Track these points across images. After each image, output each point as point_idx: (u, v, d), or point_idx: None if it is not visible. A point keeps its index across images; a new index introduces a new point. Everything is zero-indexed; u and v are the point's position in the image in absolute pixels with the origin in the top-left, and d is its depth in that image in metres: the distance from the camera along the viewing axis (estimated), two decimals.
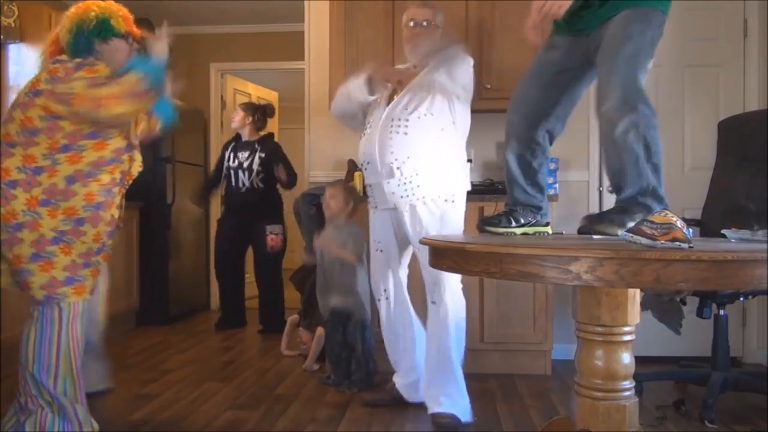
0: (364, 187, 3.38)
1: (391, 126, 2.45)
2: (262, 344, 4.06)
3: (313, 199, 3.39)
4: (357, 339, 2.99)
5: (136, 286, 4.49)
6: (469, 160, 2.82)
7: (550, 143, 1.86)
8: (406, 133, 2.43)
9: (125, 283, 4.29)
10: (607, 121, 1.59)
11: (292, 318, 3.71)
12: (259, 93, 6.12)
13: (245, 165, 4.35)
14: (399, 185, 2.45)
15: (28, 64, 3.81)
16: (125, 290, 4.31)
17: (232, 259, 4.53)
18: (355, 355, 2.99)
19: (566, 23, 1.77)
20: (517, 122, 1.82)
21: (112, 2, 2.28)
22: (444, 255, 1.51)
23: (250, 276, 5.38)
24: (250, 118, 4.44)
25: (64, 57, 2.19)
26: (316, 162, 3.79)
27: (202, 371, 3.33)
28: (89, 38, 2.19)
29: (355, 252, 2.98)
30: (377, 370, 3.01)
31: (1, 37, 3.73)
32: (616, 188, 1.64)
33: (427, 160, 2.44)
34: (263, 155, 4.35)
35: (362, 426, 2.49)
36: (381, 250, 2.65)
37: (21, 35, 3.79)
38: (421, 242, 1.69)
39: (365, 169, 2.58)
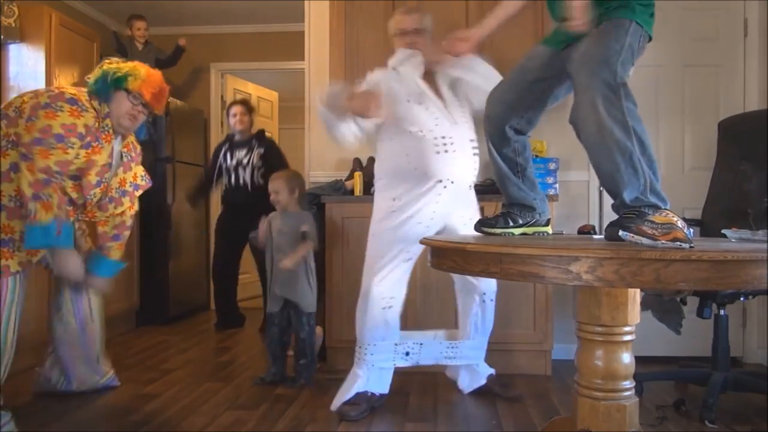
0: (365, 186, 3.39)
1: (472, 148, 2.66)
2: (262, 344, 4.06)
3: (314, 199, 3.40)
4: (303, 327, 3.04)
5: (136, 286, 4.49)
6: None
7: (519, 138, 1.90)
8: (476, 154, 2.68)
9: (125, 283, 4.29)
10: (593, 124, 1.57)
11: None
12: (259, 93, 6.13)
13: (245, 162, 4.33)
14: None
15: (29, 64, 3.82)
16: (125, 290, 4.31)
17: (231, 260, 4.52)
18: (299, 343, 3.04)
19: (551, 36, 1.83)
20: (491, 120, 1.88)
21: (152, 72, 2.54)
22: (444, 255, 1.51)
23: (249, 276, 5.38)
24: (251, 118, 4.47)
25: (82, 89, 2.48)
26: (316, 162, 3.79)
27: (202, 371, 3.33)
28: (108, 86, 2.45)
29: (315, 238, 3.06)
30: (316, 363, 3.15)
31: (2, 37, 3.73)
32: (613, 191, 1.62)
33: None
34: (261, 150, 4.35)
35: (362, 426, 2.49)
36: None
37: (21, 35, 3.80)
38: (421, 242, 1.69)
39: (445, 187, 2.58)
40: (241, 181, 4.34)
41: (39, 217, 2.22)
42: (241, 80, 5.87)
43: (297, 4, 4.01)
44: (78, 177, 2.44)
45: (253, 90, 6.05)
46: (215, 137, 5.57)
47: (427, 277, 3.16)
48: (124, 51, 4.68)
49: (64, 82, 3.96)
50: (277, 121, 6.47)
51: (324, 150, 3.78)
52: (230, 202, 4.47)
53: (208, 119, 5.59)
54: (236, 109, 4.43)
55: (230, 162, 4.37)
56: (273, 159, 4.35)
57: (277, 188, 3.11)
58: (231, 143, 4.44)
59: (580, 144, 1.66)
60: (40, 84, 3.79)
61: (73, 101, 2.34)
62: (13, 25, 3.75)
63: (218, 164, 4.43)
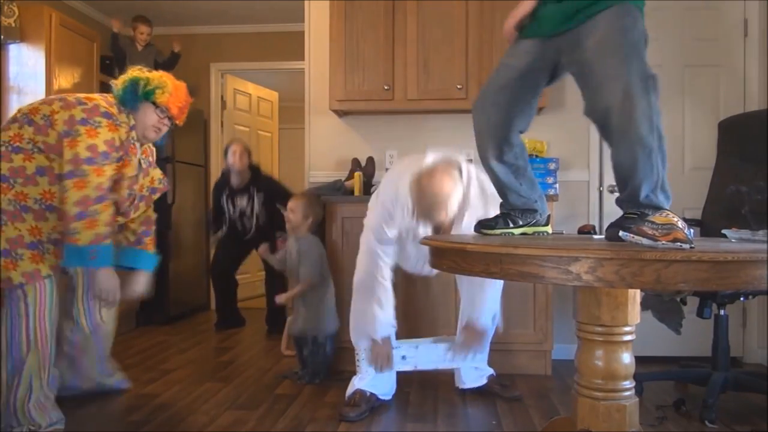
0: (364, 186, 3.40)
1: None
2: (262, 344, 4.06)
3: None
4: (308, 345, 3.13)
5: None
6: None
7: (519, 140, 1.86)
8: None
9: None
10: (624, 113, 1.52)
11: (290, 318, 3.72)
12: (259, 93, 6.13)
13: (247, 212, 4.34)
14: None
15: (29, 64, 3.82)
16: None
17: (230, 265, 4.54)
18: (307, 356, 3.14)
19: (536, 26, 1.74)
20: (491, 128, 1.79)
21: (178, 85, 2.54)
22: (444, 255, 1.51)
23: (249, 276, 5.38)
24: (250, 160, 4.36)
25: (109, 98, 2.46)
26: (316, 162, 3.79)
27: (202, 371, 3.33)
28: (137, 97, 2.45)
29: (309, 269, 3.10)
30: (327, 366, 3.17)
31: (2, 37, 3.73)
32: (624, 184, 1.60)
33: None
34: (262, 197, 4.31)
35: (362, 426, 2.49)
36: None
37: (21, 35, 3.80)
38: (422, 242, 1.69)
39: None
40: (248, 226, 4.36)
41: (78, 239, 2.21)
42: (241, 80, 5.87)
43: (297, 4, 4.01)
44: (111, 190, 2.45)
45: (253, 90, 6.05)
46: (215, 137, 5.57)
47: (427, 278, 3.16)
48: (121, 53, 4.65)
49: (64, 82, 3.96)
50: (277, 121, 6.47)
51: (324, 150, 3.79)
52: (235, 236, 4.44)
53: (208, 119, 5.59)
54: (236, 147, 4.31)
55: (234, 212, 4.35)
56: (277, 200, 4.24)
57: (294, 208, 3.19)
58: (230, 191, 4.36)
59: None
60: (40, 84, 3.79)
61: (108, 115, 2.34)
62: (13, 25, 3.75)
63: (222, 209, 4.39)
